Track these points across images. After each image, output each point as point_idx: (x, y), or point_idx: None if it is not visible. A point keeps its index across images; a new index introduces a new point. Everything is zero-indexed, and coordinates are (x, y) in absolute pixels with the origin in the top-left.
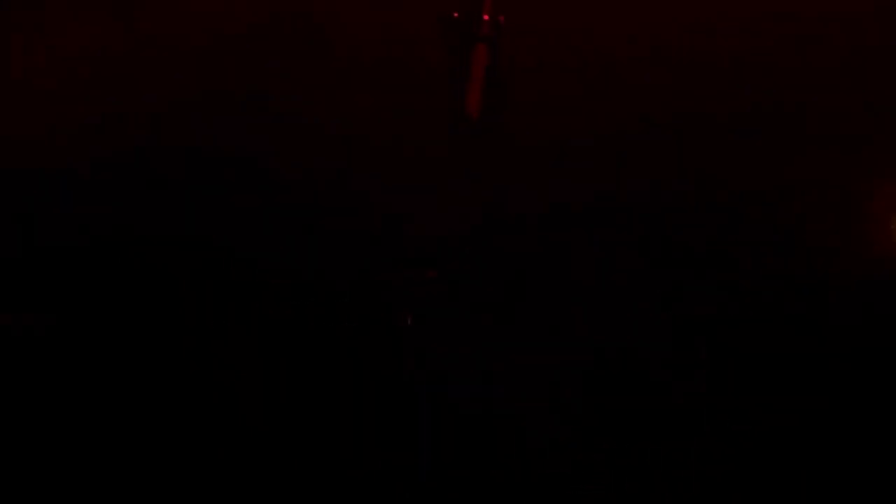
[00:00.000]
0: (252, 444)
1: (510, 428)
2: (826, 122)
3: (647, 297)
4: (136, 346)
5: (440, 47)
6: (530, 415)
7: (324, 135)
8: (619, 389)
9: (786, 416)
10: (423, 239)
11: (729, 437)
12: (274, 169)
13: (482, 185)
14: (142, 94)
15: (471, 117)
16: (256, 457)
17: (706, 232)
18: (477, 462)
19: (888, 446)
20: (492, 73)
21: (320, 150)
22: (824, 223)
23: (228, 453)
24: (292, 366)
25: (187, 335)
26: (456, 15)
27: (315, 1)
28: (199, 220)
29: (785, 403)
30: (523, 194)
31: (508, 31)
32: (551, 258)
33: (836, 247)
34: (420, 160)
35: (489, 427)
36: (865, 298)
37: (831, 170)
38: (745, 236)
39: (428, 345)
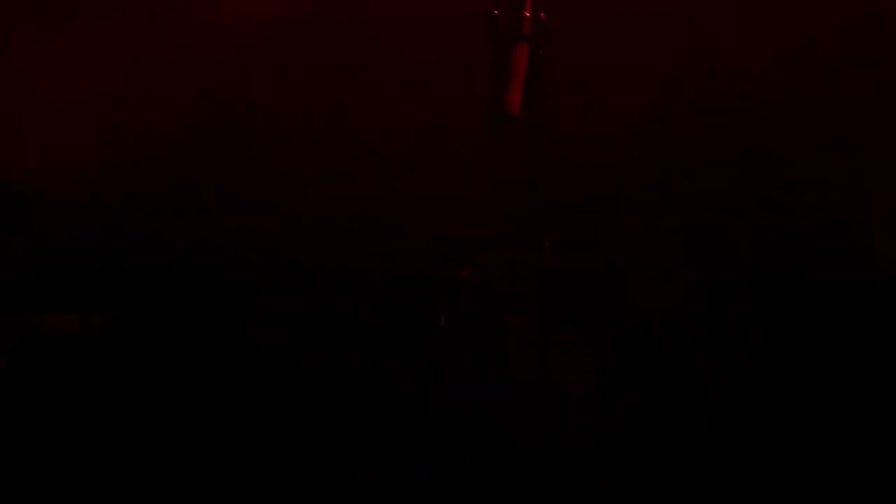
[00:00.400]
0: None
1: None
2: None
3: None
4: (186, 344)
5: (480, 45)
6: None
7: (361, 132)
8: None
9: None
10: (458, 238)
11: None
12: (311, 164)
13: (519, 183)
14: (172, 100)
15: (511, 116)
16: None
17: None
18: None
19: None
20: (533, 71)
21: (357, 149)
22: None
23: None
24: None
25: (227, 333)
26: (496, 12)
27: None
28: (241, 223)
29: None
30: (560, 193)
31: (550, 28)
32: (584, 257)
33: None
34: (458, 158)
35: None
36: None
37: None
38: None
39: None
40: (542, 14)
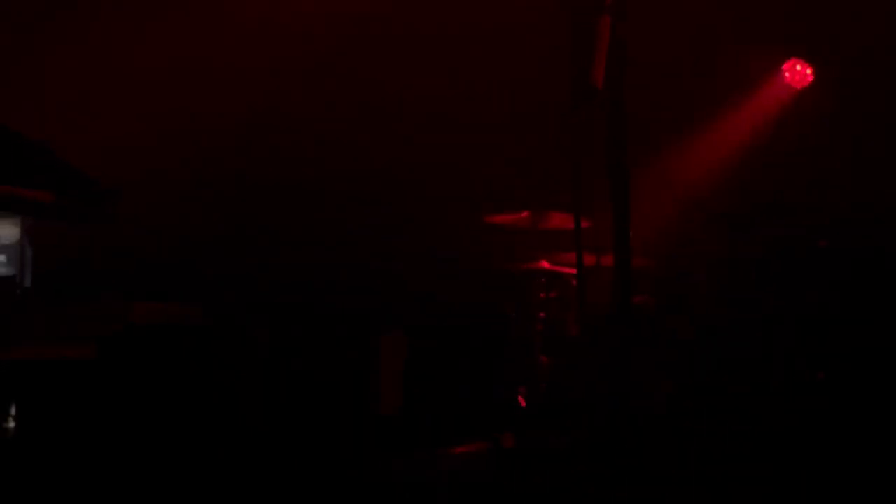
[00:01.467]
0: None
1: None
2: None
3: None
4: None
5: (564, 18)
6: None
7: (442, 114)
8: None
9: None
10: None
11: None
12: (388, 155)
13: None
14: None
15: (595, 89)
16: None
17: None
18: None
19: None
20: (616, 45)
21: (437, 132)
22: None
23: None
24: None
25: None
26: None
27: None
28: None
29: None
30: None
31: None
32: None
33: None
34: (541, 132)
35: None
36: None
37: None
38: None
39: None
40: None
